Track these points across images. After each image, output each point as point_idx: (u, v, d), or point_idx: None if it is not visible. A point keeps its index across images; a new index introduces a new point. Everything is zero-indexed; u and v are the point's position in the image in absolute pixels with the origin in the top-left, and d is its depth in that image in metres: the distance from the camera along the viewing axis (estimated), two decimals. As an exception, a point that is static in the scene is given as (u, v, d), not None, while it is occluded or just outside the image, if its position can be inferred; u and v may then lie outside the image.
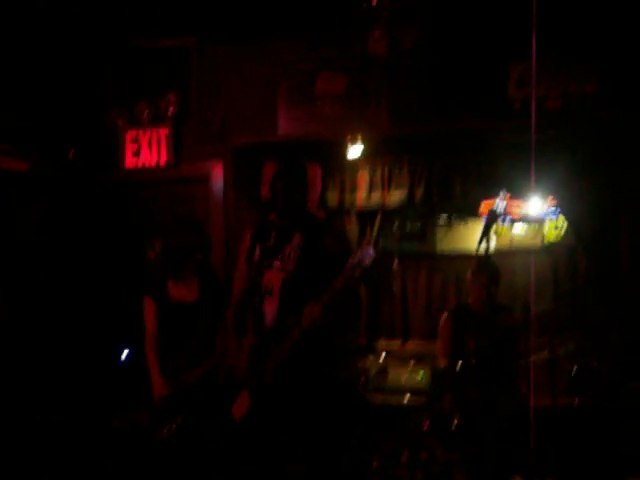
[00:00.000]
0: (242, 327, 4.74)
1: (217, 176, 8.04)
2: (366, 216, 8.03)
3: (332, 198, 8.01)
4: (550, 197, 7.77)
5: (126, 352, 6.87)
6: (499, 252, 8.53)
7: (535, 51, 7.41)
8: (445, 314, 6.84)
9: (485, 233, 5.26)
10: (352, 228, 8.03)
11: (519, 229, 8.50)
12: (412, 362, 7.47)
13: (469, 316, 6.65)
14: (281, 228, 4.61)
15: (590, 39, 7.17)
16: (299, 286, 4.52)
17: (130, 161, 8.22)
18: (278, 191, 4.59)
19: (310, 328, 4.30)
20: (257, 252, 4.63)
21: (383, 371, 7.47)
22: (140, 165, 8.21)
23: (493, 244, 8.32)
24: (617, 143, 7.26)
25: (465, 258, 8.00)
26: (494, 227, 8.45)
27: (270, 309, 4.58)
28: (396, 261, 8.31)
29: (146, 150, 8.10)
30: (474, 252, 5.85)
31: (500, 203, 8.11)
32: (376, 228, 7.98)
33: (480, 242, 5.30)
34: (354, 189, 7.97)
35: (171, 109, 8.07)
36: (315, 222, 4.83)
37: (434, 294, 8.08)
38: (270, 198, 4.60)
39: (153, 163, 8.19)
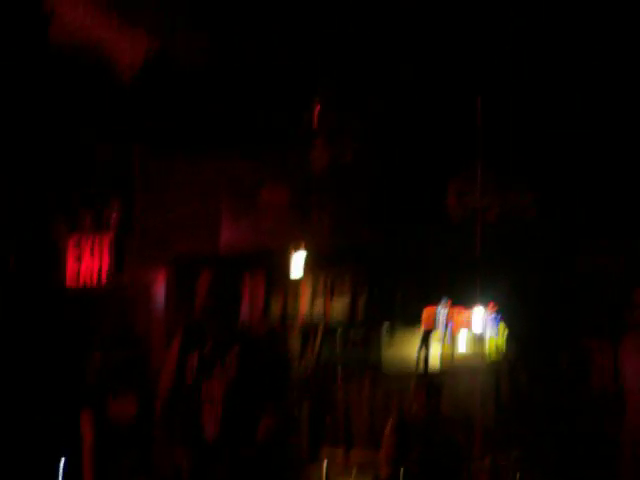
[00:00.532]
0: (173, 436, 4.67)
1: (159, 285, 8.00)
2: (309, 325, 8.04)
3: (275, 308, 8.01)
4: (491, 305, 7.90)
5: (62, 465, 6.68)
6: (442, 360, 8.59)
7: (475, 166, 7.71)
8: (388, 425, 6.82)
9: (424, 340, 5.31)
10: (295, 337, 8.02)
11: (461, 337, 8.60)
12: (355, 471, 7.40)
13: (412, 425, 6.63)
14: (219, 338, 4.60)
15: (526, 156, 7.43)
16: (238, 397, 4.50)
17: (72, 268, 8.15)
18: (214, 301, 4.61)
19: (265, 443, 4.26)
20: (194, 361, 4.59)
21: (327, 480, 7.38)
22: (82, 271, 8.14)
23: (434, 351, 8.40)
24: (552, 252, 7.45)
25: (408, 367, 8.03)
26: (434, 334, 8.57)
27: (210, 419, 4.52)
28: (339, 370, 8.31)
29: (88, 257, 8.05)
30: (415, 360, 5.89)
31: (441, 311, 8.23)
32: (319, 337, 7.99)
33: (420, 349, 5.35)
34: (297, 299, 8.00)
35: (114, 217, 8.07)
36: (254, 332, 4.85)
37: (377, 403, 8.05)
38: (207, 308, 4.61)
39: (95, 269, 8.13)
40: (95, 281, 8.37)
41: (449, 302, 8.18)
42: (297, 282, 8.00)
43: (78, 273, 8.36)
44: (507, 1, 6.03)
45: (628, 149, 7.22)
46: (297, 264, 7.84)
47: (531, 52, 6.58)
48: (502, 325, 8.06)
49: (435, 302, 8.25)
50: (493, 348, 7.92)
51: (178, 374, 4.57)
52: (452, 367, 7.81)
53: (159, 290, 8.03)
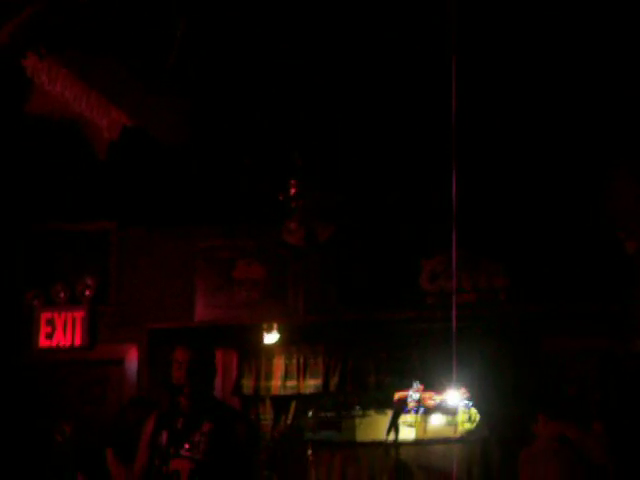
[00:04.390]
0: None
1: (132, 359, 7.97)
2: (281, 403, 8.01)
3: (247, 384, 8.00)
4: (463, 389, 7.88)
5: None
6: (416, 442, 8.53)
7: (450, 247, 7.79)
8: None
9: (393, 422, 5.30)
10: (267, 415, 7.98)
11: (434, 419, 8.55)
12: None
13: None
14: (190, 414, 4.59)
15: (499, 238, 7.53)
16: (208, 475, 4.48)
17: (44, 342, 8.11)
18: (187, 377, 4.62)
19: None
20: (164, 437, 4.58)
21: None
22: (54, 346, 8.10)
23: (404, 434, 8.35)
24: (524, 336, 7.50)
25: (380, 447, 8.00)
26: (406, 417, 8.52)
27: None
28: (310, 450, 8.25)
29: (61, 331, 8.01)
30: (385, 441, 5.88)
31: (413, 394, 8.21)
32: (291, 416, 7.96)
33: (389, 431, 5.33)
34: (270, 376, 8.00)
35: (88, 292, 8.07)
36: (226, 410, 4.85)
37: (348, 481, 8.00)
38: (179, 383, 4.61)
39: (68, 344, 8.09)
40: (67, 357, 8.34)
41: (421, 387, 8.17)
42: (270, 359, 8.00)
43: (50, 348, 8.33)
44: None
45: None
46: (271, 340, 7.86)
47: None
48: (473, 409, 8.04)
49: (408, 385, 8.24)
50: (466, 430, 7.87)
51: (150, 453, 4.57)
52: (423, 445, 7.77)
53: (133, 364, 8.01)
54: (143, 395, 7.32)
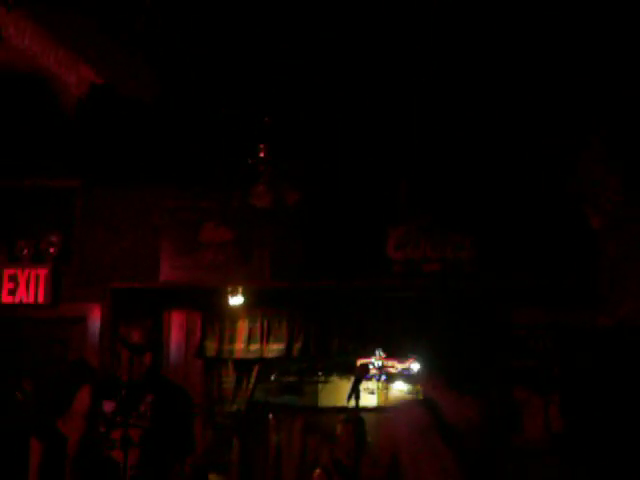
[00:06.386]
0: None
1: (95, 318, 7.93)
2: (244, 366, 8.02)
3: (210, 346, 7.99)
4: (425, 358, 7.92)
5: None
6: (377, 409, 8.59)
7: (414, 216, 7.82)
8: (318, 470, 6.79)
9: (354, 388, 5.31)
10: (229, 378, 7.98)
11: (396, 387, 8.62)
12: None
13: (342, 472, 6.62)
14: (131, 385, 4.69)
15: (465, 210, 7.55)
16: (155, 441, 4.61)
17: (6, 298, 8.04)
18: (147, 338, 4.69)
19: None
20: (108, 407, 4.65)
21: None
22: (17, 302, 8.03)
23: (366, 400, 8.40)
24: (488, 307, 7.54)
25: (341, 413, 8.03)
26: (367, 384, 8.57)
27: (130, 460, 4.58)
28: (271, 414, 8.28)
29: (23, 288, 7.95)
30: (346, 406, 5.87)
31: (376, 361, 8.25)
32: (253, 379, 7.97)
33: (350, 397, 5.34)
34: (233, 339, 7.99)
35: (52, 249, 8.00)
36: (165, 381, 4.95)
37: (309, 448, 8.04)
38: (140, 343, 4.66)
39: (30, 301, 8.03)
40: (29, 314, 8.28)
41: (384, 354, 8.21)
42: (234, 322, 8.00)
43: (12, 305, 8.27)
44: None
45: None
46: (235, 303, 7.85)
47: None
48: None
49: (370, 354, 8.28)
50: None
51: (90, 420, 4.64)
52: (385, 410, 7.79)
53: (95, 322, 7.97)
54: (84, 358, 7.25)
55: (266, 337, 7.92)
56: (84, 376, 5.68)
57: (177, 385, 5.12)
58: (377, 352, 8.22)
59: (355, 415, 6.28)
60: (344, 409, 7.76)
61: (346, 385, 8.26)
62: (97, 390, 4.75)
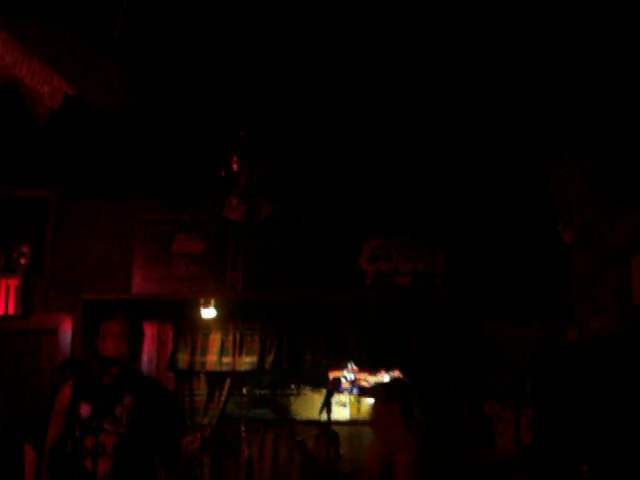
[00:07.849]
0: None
1: (66, 329, 7.87)
2: (216, 379, 7.98)
3: (182, 359, 7.95)
4: (397, 371, 7.95)
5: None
6: (349, 422, 8.58)
7: (387, 229, 7.84)
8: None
9: (326, 401, 5.30)
10: (201, 390, 7.95)
11: (368, 400, 8.60)
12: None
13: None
14: (110, 387, 4.58)
15: (438, 223, 7.58)
16: (133, 447, 4.48)
17: (-24, 311, 7.97)
18: (125, 347, 4.62)
19: None
20: (84, 410, 4.55)
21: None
22: (-14, 316, 7.95)
23: (339, 413, 8.40)
24: (460, 319, 7.58)
25: (314, 425, 8.04)
26: (339, 396, 8.56)
27: (103, 470, 4.49)
28: (243, 427, 8.25)
29: (-6, 300, 7.89)
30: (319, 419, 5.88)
31: (348, 374, 8.25)
32: (225, 392, 7.93)
33: (322, 409, 5.34)
34: (205, 351, 7.96)
35: (23, 259, 7.94)
36: (147, 382, 4.86)
37: (280, 461, 8.01)
38: (110, 354, 4.59)
39: (1, 313, 7.96)
40: (1, 324, 8.21)
41: (356, 368, 8.22)
42: (207, 334, 7.97)
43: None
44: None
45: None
46: (207, 315, 7.82)
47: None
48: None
49: (343, 367, 8.28)
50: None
51: (68, 423, 4.55)
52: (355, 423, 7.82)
53: (66, 333, 7.91)
54: (77, 358, 7.21)
55: (238, 350, 7.89)
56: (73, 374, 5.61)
57: (162, 388, 5.00)
58: (349, 365, 8.22)
59: (327, 429, 6.30)
60: (317, 422, 7.77)
61: (318, 398, 8.27)
62: (76, 390, 4.66)
